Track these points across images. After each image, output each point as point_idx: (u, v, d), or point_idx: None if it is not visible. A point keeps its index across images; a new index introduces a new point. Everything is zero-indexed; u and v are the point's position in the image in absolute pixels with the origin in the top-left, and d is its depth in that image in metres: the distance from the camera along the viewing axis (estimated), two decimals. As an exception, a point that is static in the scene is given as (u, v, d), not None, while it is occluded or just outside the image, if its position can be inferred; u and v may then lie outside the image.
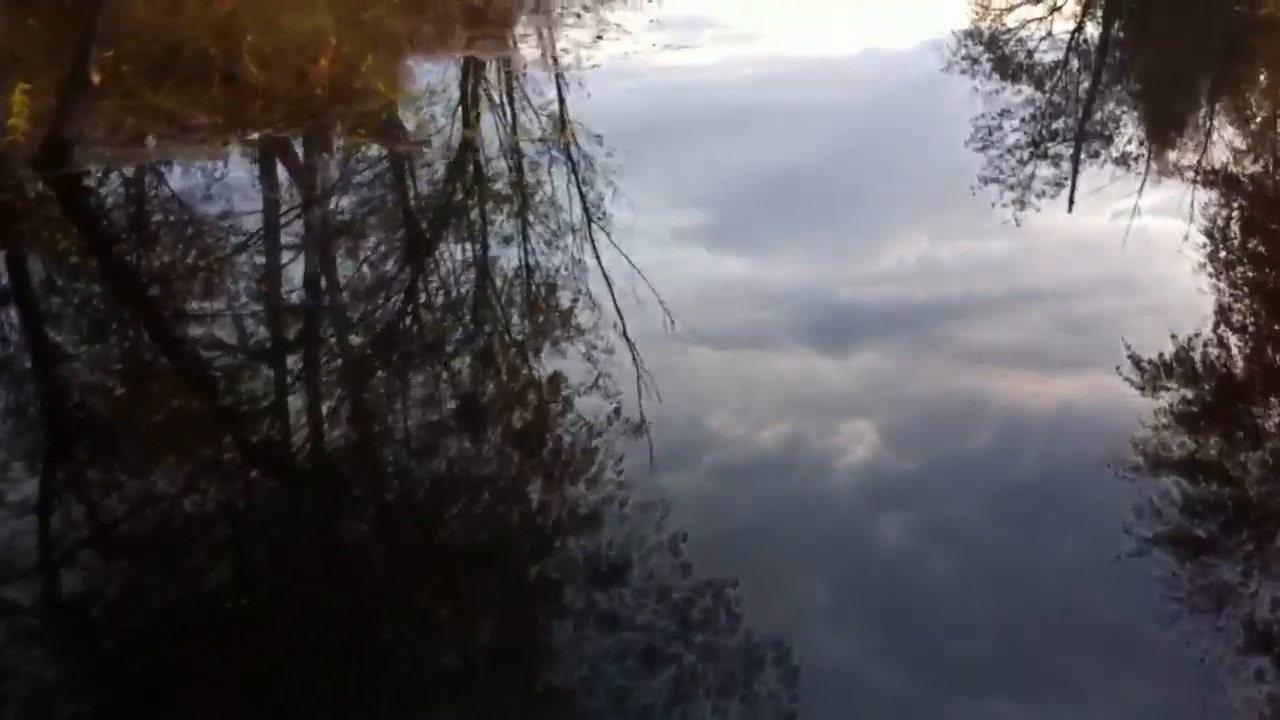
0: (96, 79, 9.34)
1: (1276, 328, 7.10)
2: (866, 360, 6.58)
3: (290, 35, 11.53)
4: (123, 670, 4.24)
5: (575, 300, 7.31)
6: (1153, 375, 6.25)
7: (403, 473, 5.57)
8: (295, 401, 6.00)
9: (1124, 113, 13.20)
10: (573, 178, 9.70)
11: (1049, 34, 17.94)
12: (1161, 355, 6.50)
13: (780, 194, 9.64)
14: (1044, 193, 9.76)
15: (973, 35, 17.40)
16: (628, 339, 6.66)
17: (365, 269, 7.88)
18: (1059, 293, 7.58)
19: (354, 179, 9.67)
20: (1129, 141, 11.47)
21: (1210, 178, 9.82)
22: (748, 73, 14.75)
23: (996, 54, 16.38)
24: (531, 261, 7.96)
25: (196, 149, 10.12)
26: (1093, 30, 19.55)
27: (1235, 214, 8.99)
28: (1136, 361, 6.38)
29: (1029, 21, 19.42)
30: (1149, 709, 4.10)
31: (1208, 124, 11.73)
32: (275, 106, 10.98)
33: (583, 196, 9.20)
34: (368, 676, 4.12)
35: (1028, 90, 13.86)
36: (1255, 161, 10.64)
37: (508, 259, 8.08)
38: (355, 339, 6.91)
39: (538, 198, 9.29)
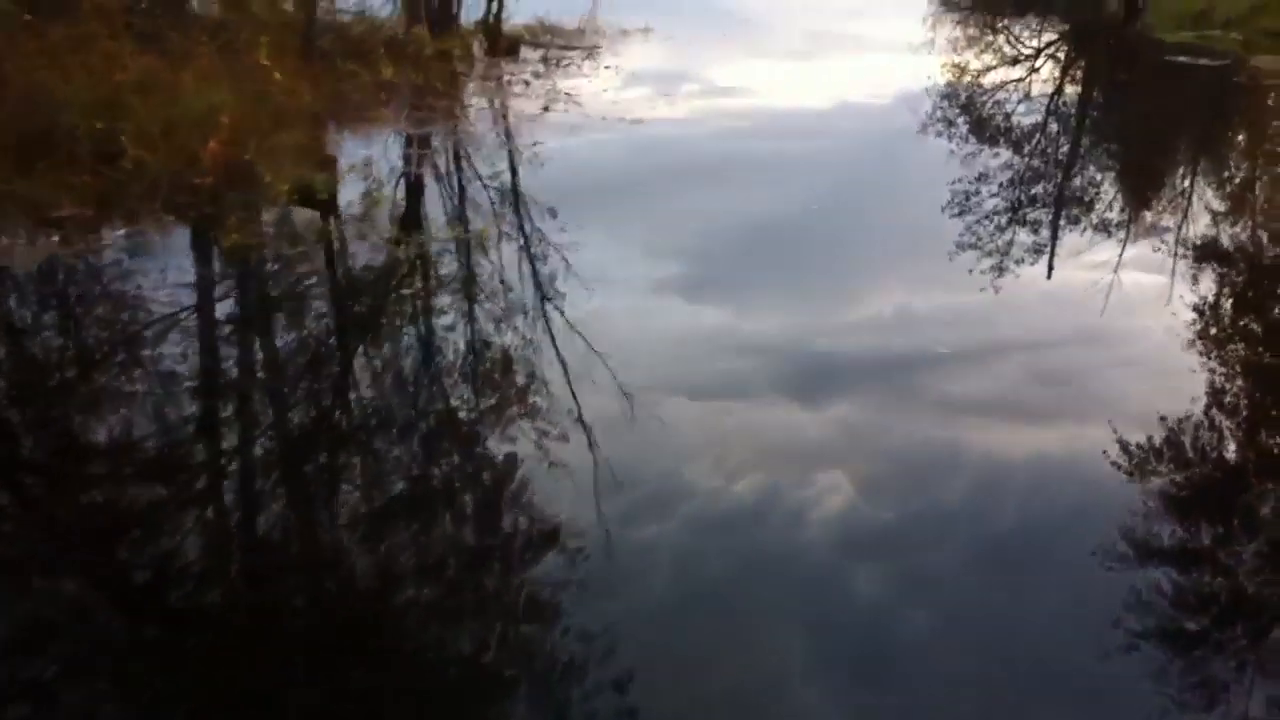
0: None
1: (1252, 386, 7.02)
2: (841, 411, 6.53)
3: (182, 112, 10.17)
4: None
5: (548, 352, 7.14)
6: (1129, 431, 6.16)
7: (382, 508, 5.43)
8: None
9: (1101, 174, 13.21)
10: (534, 237, 9.48)
11: (1026, 95, 18.18)
12: (1138, 410, 6.47)
13: (757, 246, 9.72)
14: (1017, 248, 9.70)
15: (949, 96, 17.67)
16: (602, 390, 6.55)
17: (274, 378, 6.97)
18: (1034, 345, 7.59)
19: (244, 276, 8.10)
20: (1106, 201, 11.48)
21: (1187, 236, 10.02)
22: (725, 126, 14.87)
23: (973, 114, 16.59)
24: (500, 319, 7.77)
25: (60, 243, 8.69)
26: (1071, 92, 19.47)
27: (1211, 272, 9.07)
28: (1113, 416, 6.33)
29: (1006, 83, 19.41)
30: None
31: (1186, 185, 11.92)
32: (158, 193, 9.60)
33: (542, 256, 9.02)
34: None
35: (1002, 148, 14.00)
36: (1233, 222, 10.80)
37: (464, 322, 7.77)
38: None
39: (491, 266, 8.87)
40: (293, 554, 5.17)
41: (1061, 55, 23.74)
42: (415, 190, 11.15)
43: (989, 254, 9.50)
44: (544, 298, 8.09)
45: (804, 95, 17.69)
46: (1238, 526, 5.39)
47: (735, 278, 8.92)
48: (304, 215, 9.68)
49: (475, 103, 15.45)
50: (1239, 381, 7.08)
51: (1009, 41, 25.86)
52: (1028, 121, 16.26)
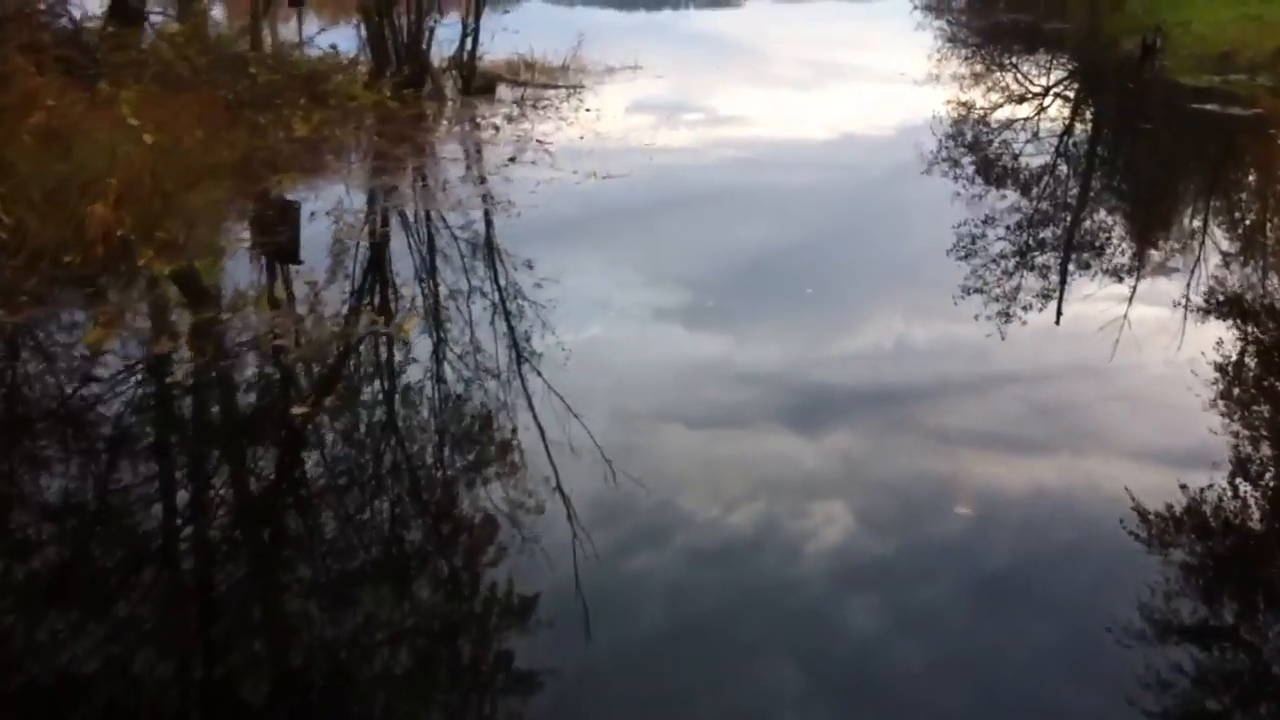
0: None
1: (1255, 424, 6.87)
2: (839, 442, 6.48)
3: (67, 171, 8.63)
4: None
5: (545, 379, 7.01)
6: (1129, 469, 6.14)
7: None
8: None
9: (1117, 220, 12.43)
10: (510, 289, 8.92)
11: (1035, 135, 16.93)
12: (1139, 447, 6.44)
13: (757, 276, 9.67)
14: (1021, 285, 9.40)
15: (952, 132, 16.85)
16: (599, 418, 6.45)
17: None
18: (1033, 379, 7.52)
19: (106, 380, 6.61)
20: (1117, 247, 10.94)
21: (1209, 288, 9.51)
22: (726, 156, 14.68)
23: (977, 151, 15.92)
24: (497, 346, 7.65)
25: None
26: (1087, 138, 18.26)
27: (1225, 321, 8.68)
28: (1112, 452, 6.35)
29: (1014, 121, 18.24)
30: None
31: (1217, 247, 10.99)
32: (37, 269, 8.07)
33: (527, 298, 8.61)
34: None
35: (1009, 189, 13.23)
36: (1245, 264, 10.46)
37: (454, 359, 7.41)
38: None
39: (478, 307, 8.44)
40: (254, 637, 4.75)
41: (1073, 96, 22.25)
42: (362, 259, 9.59)
43: (991, 290, 9.21)
44: (539, 327, 7.95)
45: (803, 127, 17.13)
46: (1239, 565, 5.32)
47: (734, 308, 8.76)
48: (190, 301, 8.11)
49: (436, 150, 13.87)
50: (1243, 420, 6.86)
51: (1017, 79, 24.48)
52: (1037, 163, 14.98)
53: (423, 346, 7.60)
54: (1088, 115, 20.03)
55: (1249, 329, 8.50)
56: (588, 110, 16.79)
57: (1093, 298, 9.04)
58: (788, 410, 6.90)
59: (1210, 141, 16.72)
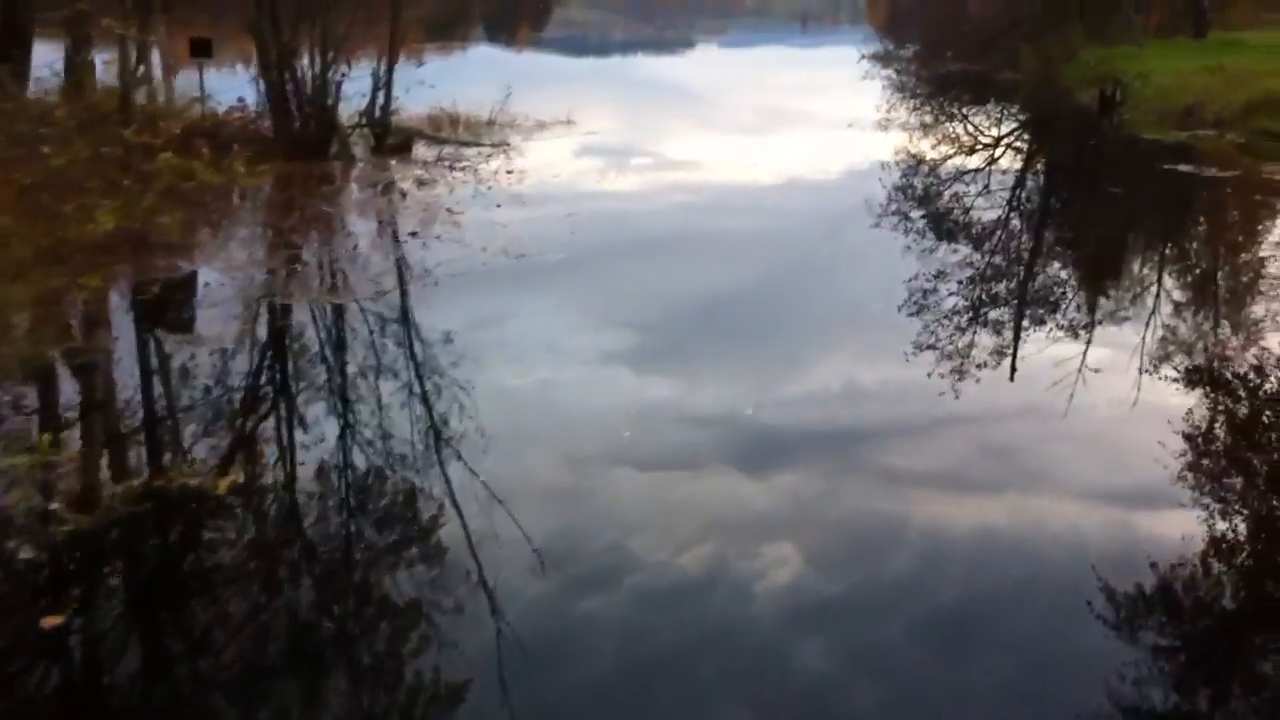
0: None
1: (1198, 460, 6.84)
2: (789, 483, 6.39)
3: None
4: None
5: (493, 423, 6.85)
6: (1075, 506, 6.18)
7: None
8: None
9: (1068, 273, 12.09)
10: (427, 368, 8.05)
11: (986, 188, 15.80)
12: (1085, 486, 6.43)
13: (706, 320, 9.60)
14: (968, 330, 9.27)
15: (900, 179, 16.36)
16: (549, 462, 6.46)
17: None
18: (980, 419, 7.43)
19: None
20: (1067, 297, 10.71)
21: (1145, 327, 9.54)
22: (676, 200, 14.50)
23: (924, 198, 15.47)
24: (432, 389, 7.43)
25: None
26: (1044, 194, 17.10)
27: (1159, 359, 8.77)
28: (1059, 491, 6.38)
29: (965, 173, 17.15)
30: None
31: (1150, 282, 11.05)
32: None
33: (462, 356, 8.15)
34: None
35: (960, 242, 12.60)
36: (1198, 317, 10.19)
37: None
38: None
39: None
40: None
41: (1032, 151, 20.84)
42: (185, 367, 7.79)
43: (941, 339, 9.01)
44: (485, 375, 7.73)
45: (747, 187, 16.21)
46: (1185, 603, 5.30)
47: (684, 351, 8.78)
48: None
49: (328, 224, 12.05)
50: (1189, 460, 6.83)
51: (968, 130, 23.12)
52: (990, 218, 14.09)
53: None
54: (1050, 176, 18.53)
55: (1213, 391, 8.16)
56: (509, 173, 15.08)
57: (1045, 354, 8.69)
58: (737, 452, 6.79)
59: (1189, 209, 15.11)
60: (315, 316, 9.05)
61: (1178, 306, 10.24)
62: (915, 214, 14.08)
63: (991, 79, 30.15)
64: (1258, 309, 10.27)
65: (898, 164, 17.65)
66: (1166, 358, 8.80)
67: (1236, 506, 6.25)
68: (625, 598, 5.15)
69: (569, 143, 18.40)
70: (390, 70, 16.11)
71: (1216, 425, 7.46)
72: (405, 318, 9.01)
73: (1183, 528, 5.91)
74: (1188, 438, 7.13)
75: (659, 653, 4.76)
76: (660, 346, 8.86)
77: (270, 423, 7.09)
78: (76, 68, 14.47)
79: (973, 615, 5.15)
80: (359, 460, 6.49)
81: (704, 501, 6.11)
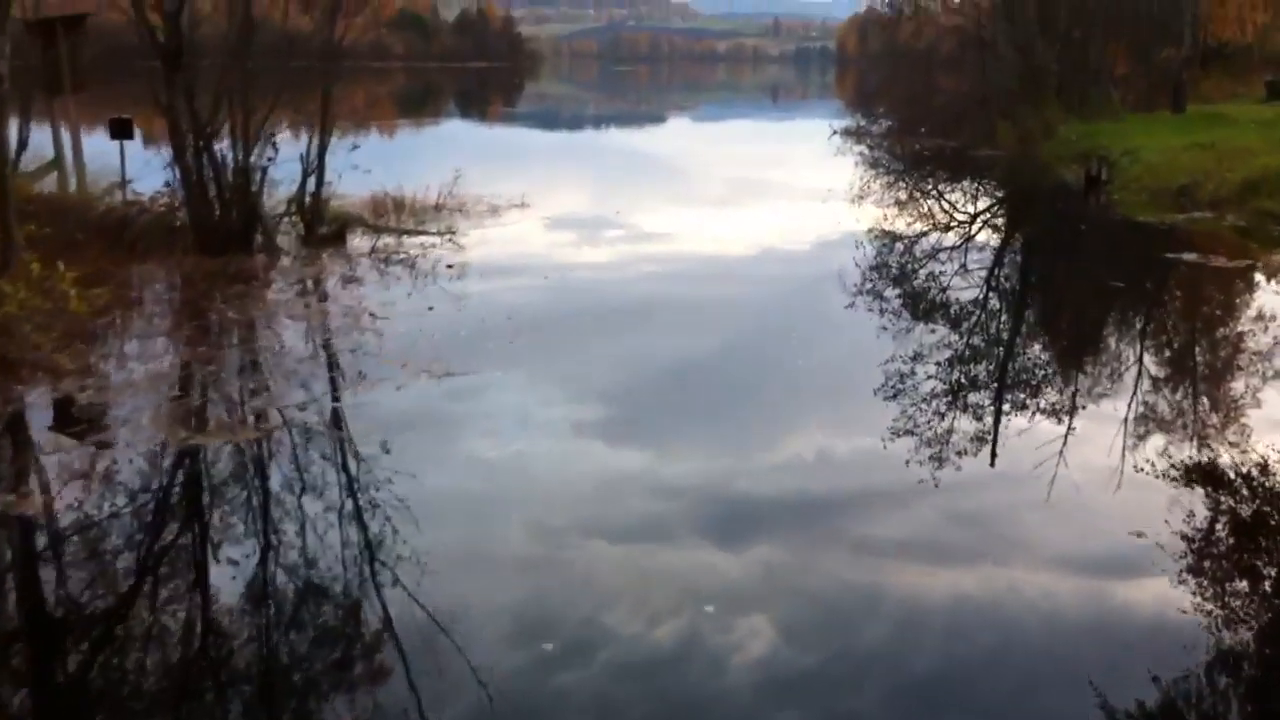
0: None
1: (1172, 530, 6.51)
2: (762, 554, 6.23)
3: None
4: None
5: (466, 494, 6.91)
6: (1048, 574, 6.07)
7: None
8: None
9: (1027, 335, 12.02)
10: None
11: (963, 267, 14.90)
12: (1056, 553, 6.30)
13: (678, 389, 9.44)
14: (940, 397, 8.94)
15: (871, 253, 15.76)
16: (521, 534, 6.39)
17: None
18: (953, 487, 7.15)
19: None
20: (1030, 362, 10.67)
21: (1117, 402, 8.98)
22: (648, 270, 14.36)
23: (897, 273, 14.81)
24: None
25: None
26: (1034, 283, 15.64)
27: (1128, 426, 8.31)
28: (1031, 559, 6.25)
29: (940, 251, 16.14)
30: None
31: (1128, 362, 10.44)
32: None
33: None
34: None
35: (939, 323, 11.82)
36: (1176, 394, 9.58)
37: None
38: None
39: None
40: None
41: (1010, 230, 19.35)
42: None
43: (914, 406, 8.72)
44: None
45: (725, 242, 16.53)
46: (1161, 668, 5.10)
47: (656, 422, 8.56)
48: None
49: (227, 335, 10.27)
50: (1160, 524, 6.55)
51: (943, 206, 21.76)
52: (971, 297, 13.15)
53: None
54: (1040, 265, 17.00)
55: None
56: (450, 266, 13.39)
57: (1026, 436, 8.13)
58: (710, 523, 6.62)
59: (1205, 310, 13.14)
60: (169, 457, 7.26)
61: (1205, 429, 8.56)
62: (891, 292, 13.26)
63: (967, 155, 28.89)
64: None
65: (873, 240, 16.84)
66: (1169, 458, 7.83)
67: (1216, 581, 6.01)
68: (600, 671, 5.02)
69: (521, 228, 16.80)
70: (322, 151, 14.46)
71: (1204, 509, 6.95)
72: (261, 469, 7.23)
73: (1157, 596, 5.80)
74: (1167, 508, 6.83)
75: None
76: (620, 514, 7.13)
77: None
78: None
79: (947, 685, 5.03)
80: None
81: (678, 573, 5.95)
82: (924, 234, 17.83)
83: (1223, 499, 7.05)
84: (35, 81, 14.84)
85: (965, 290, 13.37)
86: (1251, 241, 16.09)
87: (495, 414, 8.44)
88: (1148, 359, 10.51)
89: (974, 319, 12.15)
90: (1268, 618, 5.61)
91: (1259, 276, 14.32)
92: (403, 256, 13.98)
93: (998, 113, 29.97)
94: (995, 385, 9.63)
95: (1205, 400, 9.40)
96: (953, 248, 16.47)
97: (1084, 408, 8.88)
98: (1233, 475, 7.47)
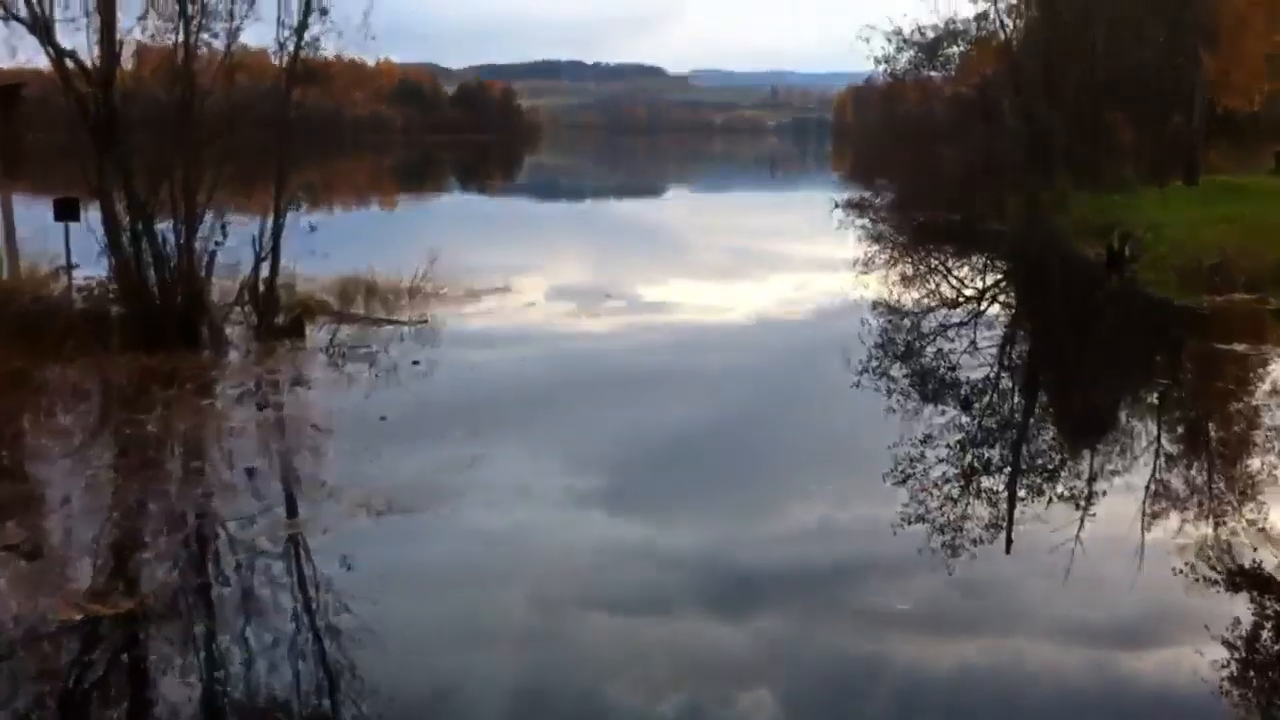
0: None
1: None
2: (762, 626, 6.05)
3: None
4: None
5: (467, 561, 6.76)
6: (1051, 644, 5.90)
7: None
8: None
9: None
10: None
11: (973, 345, 13.94)
12: (1060, 624, 6.09)
13: (678, 458, 9.15)
14: (940, 465, 8.72)
15: (883, 345, 14.27)
16: (521, 606, 6.17)
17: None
18: (953, 555, 6.94)
19: None
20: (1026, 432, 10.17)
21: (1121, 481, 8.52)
22: (649, 340, 14.13)
23: (910, 359, 13.69)
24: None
25: None
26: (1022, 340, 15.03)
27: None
28: (1034, 629, 6.05)
29: (947, 327, 15.24)
30: None
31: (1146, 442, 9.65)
32: None
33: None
34: None
35: (949, 404, 11.03)
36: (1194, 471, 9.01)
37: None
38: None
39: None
40: None
41: (1031, 314, 17.77)
42: None
43: (910, 468, 8.58)
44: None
45: (725, 312, 16.28)
46: None
47: (656, 491, 8.28)
48: None
49: (136, 454, 8.58)
50: (1164, 594, 6.42)
51: (950, 281, 20.33)
52: (984, 380, 12.20)
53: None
54: (1074, 356, 15.37)
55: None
56: (415, 363, 11.78)
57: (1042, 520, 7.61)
58: (712, 595, 6.41)
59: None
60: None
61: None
62: (896, 376, 12.23)
63: (975, 228, 27.40)
64: None
65: (878, 316, 16.04)
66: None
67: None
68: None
69: (499, 316, 15.24)
70: (277, 232, 12.90)
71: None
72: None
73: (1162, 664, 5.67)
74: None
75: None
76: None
77: None
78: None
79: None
80: None
81: (679, 646, 5.77)
82: (934, 310, 16.79)
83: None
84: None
85: (983, 374, 12.37)
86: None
87: (434, 571, 6.76)
88: (1218, 480, 8.84)
89: (999, 408, 11.12)
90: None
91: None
92: (365, 351, 12.37)
93: (1005, 184, 28.53)
94: (1008, 470, 8.97)
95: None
96: (964, 325, 15.34)
97: (1153, 541, 7.21)
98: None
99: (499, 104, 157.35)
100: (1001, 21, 31.98)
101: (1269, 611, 6.31)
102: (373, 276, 15.75)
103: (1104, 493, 8.26)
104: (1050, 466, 9.16)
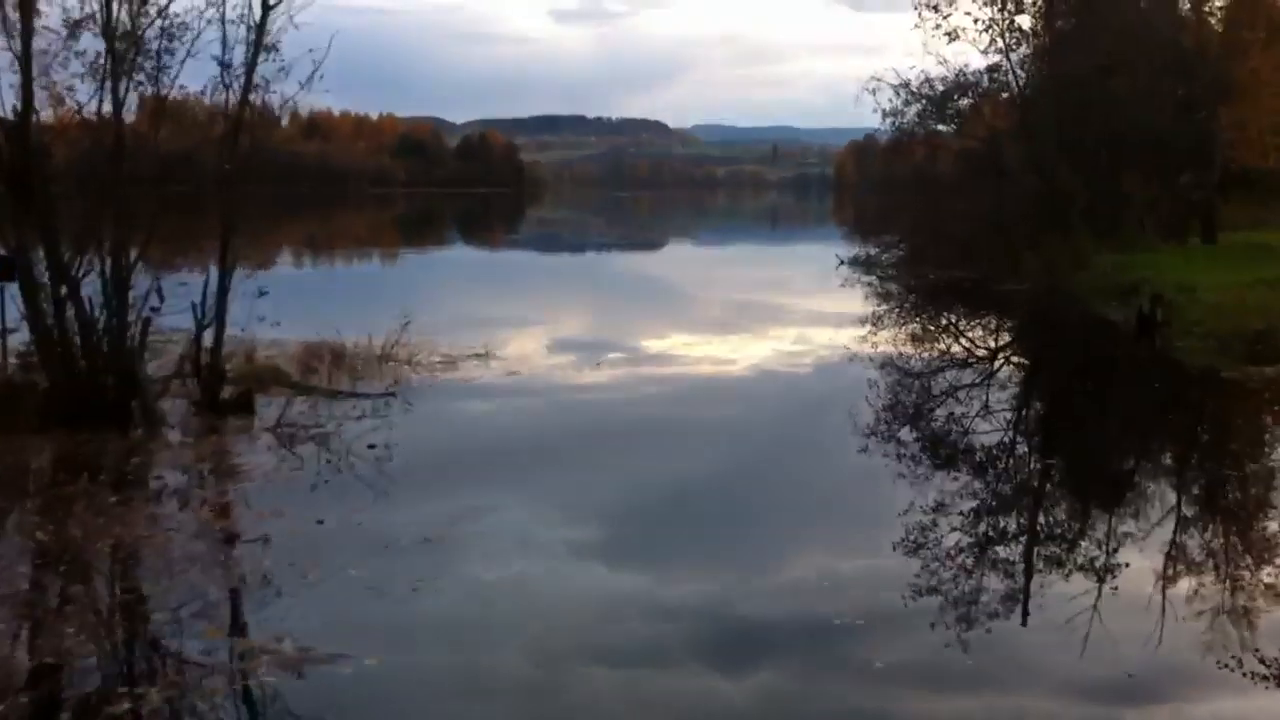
0: None
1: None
2: (763, 680, 5.88)
3: None
4: None
5: (468, 615, 6.53)
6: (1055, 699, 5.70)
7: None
8: None
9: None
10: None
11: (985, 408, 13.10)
12: (1064, 679, 5.90)
13: (678, 510, 8.97)
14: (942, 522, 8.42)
15: (891, 407, 13.38)
16: (520, 659, 5.99)
17: None
18: (955, 607, 6.80)
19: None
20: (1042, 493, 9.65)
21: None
22: (650, 392, 13.88)
23: (919, 422, 12.81)
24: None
25: None
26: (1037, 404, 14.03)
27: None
28: (1038, 684, 5.87)
29: (959, 388, 14.35)
30: None
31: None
32: None
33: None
34: None
35: (962, 473, 10.20)
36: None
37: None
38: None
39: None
40: None
41: (1046, 379, 16.19)
42: None
43: (915, 522, 8.29)
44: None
45: (726, 364, 15.97)
46: None
47: (656, 544, 8.12)
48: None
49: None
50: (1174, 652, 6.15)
51: (963, 343, 18.89)
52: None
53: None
54: (1110, 430, 13.79)
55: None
56: (371, 447, 10.18)
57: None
58: (712, 648, 6.26)
59: None
60: None
61: None
62: (906, 442, 11.34)
63: (991, 287, 25.90)
64: None
65: (888, 375, 15.25)
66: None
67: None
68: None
69: (475, 388, 13.66)
70: (222, 296, 11.36)
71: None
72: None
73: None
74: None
75: None
76: None
77: None
78: None
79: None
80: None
81: (678, 700, 5.58)
82: (946, 370, 15.89)
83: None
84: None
85: (1011, 447, 11.30)
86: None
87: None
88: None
89: (1036, 483, 9.80)
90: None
91: None
92: (318, 431, 10.79)
93: (1019, 242, 27.06)
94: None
95: None
96: (982, 390, 14.14)
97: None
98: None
99: (501, 157, 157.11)
100: (1015, 73, 30.66)
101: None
102: (341, 341, 14.24)
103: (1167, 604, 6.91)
104: (1098, 556, 8.03)
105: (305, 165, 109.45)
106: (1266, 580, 7.51)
